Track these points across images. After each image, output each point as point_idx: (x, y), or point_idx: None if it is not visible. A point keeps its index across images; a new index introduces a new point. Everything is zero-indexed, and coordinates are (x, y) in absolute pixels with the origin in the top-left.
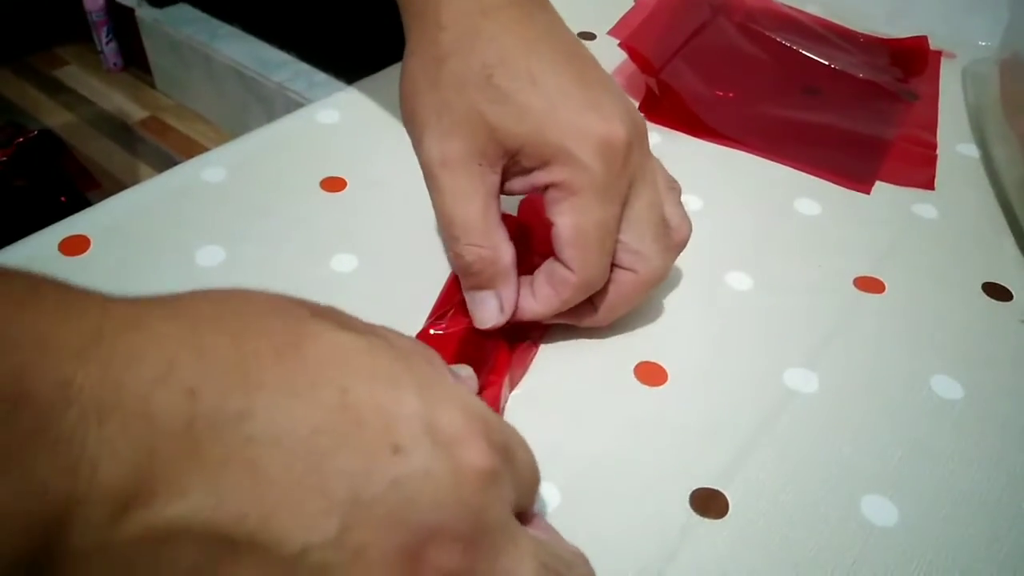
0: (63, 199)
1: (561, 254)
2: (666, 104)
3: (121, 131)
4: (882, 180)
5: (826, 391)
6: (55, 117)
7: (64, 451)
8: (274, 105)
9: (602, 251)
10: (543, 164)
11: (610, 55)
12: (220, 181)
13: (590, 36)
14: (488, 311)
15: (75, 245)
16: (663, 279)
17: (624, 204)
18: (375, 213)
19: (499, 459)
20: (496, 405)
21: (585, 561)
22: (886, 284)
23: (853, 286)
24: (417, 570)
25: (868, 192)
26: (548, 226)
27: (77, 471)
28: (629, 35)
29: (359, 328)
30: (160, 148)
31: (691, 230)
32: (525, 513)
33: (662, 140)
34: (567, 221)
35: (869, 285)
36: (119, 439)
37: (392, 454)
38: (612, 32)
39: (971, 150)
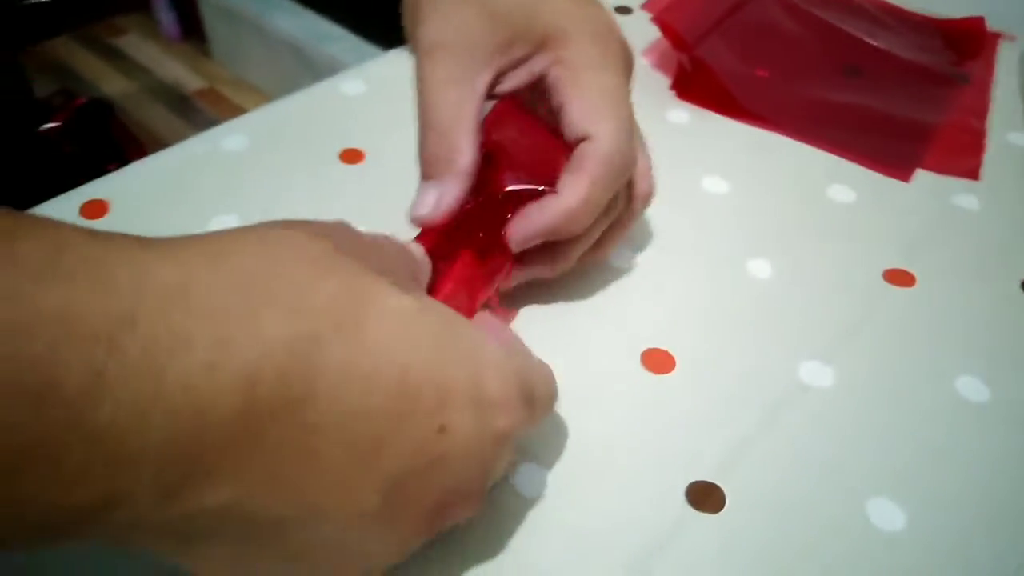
0: (111, 167)
1: (578, 129)
2: (699, 82)
3: (177, 100)
4: (924, 168)
5: (841, 387)
6: (114, 85)
7: (100, 446)
8: (327, 78)
9: (620, 115)
10: (540, 47)
11: (645, 31)
12: (241, 149)
13: (626, 11)
14: (425, 201)
15: (95, 209)
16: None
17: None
18: (391, 185)
19: (525, 412)
20: (452, 291)
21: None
22: (917, 277)
23: (881, 278)
24: (434, 525)
25: (907, 180)
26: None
27: (117, 467)
28: (663, 9)
29: (392, 268)
30: (214, 119)
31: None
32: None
33: (691, 119)
34: (577, 93)
35: (898, 278)
36: (163, 433)
37: (439, 433)
38: (646, 6)
39: (1023, 139)
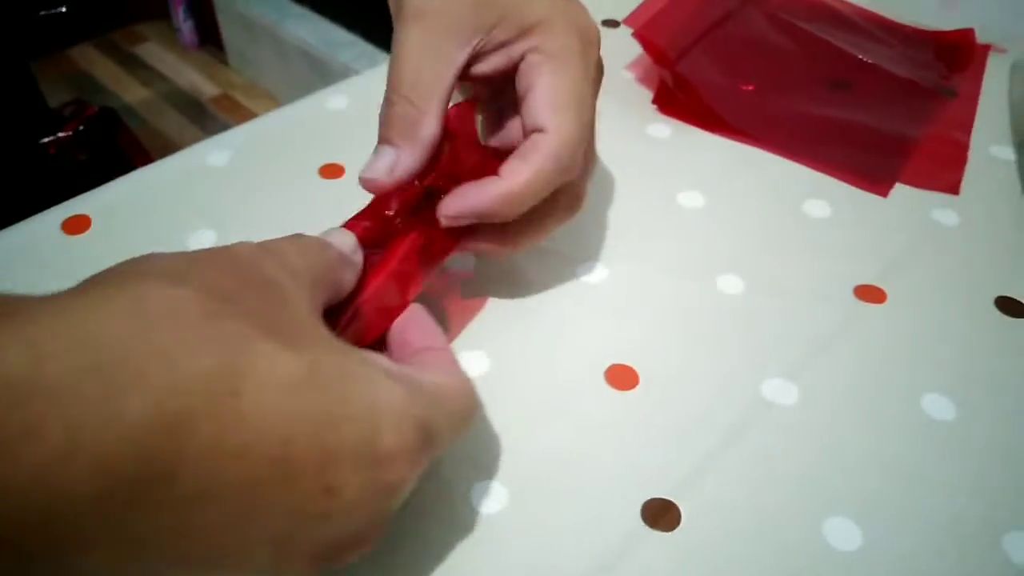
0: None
1: (537, 118)
2: (681, 98)
3: (194, 108)
4: (904, 183)
5: (805, 405)
6: (133, 93)
7: None
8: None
9: (580, 116)
10: (522, 34)
11: (630, 45)
12: (222, 165)
13: (613, 24)
14: (378, 164)
15: (76, 224)
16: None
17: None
18: (367, 201)
19: (423, 455)
20: (382, 285)
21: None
22: (888, 294)
23: (852, 295)
24: (327, 566)
25: (885, 195)
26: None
27: None
28: (644, 24)
29: (287, 326)
30: (229, 125)
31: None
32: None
33: (673, 133)
34: (547, 81)
35: (869, 294)
36: (17, 518)
37: (323, 494)
38: (627, 21)
39: (1006, 152)
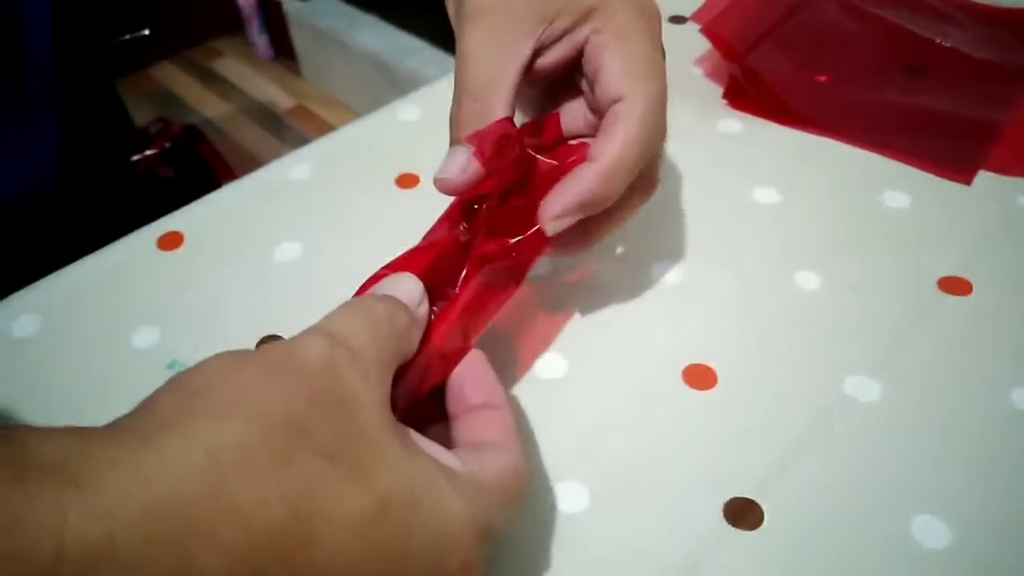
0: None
1: (613, 88)
2: (752, 91)
3: (271, 120)
4: (987, 170)
5: (889, 401)
6: (211, 107)
7: None
8: (408, 91)
9: (657, 81)
10: (583, 18)
11: (698, 40)
12: (304, 178)
13: (680, 20)
14: (451, 164)
15: (171, 241)
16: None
17: None
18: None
19: (483, 559)
20: (446, 336)
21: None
22: (974, 285)
23: (936, 287)
24: None
25: (968, 183)
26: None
27: None
28: (712, 20)
29: (357, 458)
30: (305, 135)
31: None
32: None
33: (744, 127)
34: (617, 54)
35: (954, 286)
36: None
37: None
38: (695, 17)
39: None
